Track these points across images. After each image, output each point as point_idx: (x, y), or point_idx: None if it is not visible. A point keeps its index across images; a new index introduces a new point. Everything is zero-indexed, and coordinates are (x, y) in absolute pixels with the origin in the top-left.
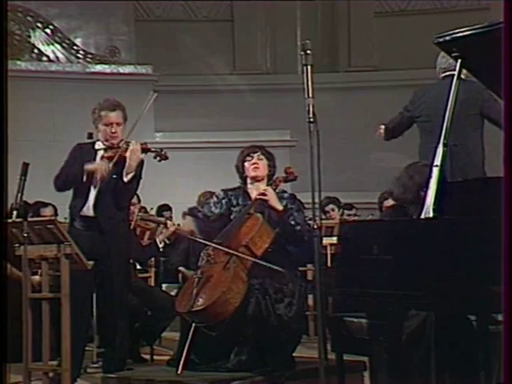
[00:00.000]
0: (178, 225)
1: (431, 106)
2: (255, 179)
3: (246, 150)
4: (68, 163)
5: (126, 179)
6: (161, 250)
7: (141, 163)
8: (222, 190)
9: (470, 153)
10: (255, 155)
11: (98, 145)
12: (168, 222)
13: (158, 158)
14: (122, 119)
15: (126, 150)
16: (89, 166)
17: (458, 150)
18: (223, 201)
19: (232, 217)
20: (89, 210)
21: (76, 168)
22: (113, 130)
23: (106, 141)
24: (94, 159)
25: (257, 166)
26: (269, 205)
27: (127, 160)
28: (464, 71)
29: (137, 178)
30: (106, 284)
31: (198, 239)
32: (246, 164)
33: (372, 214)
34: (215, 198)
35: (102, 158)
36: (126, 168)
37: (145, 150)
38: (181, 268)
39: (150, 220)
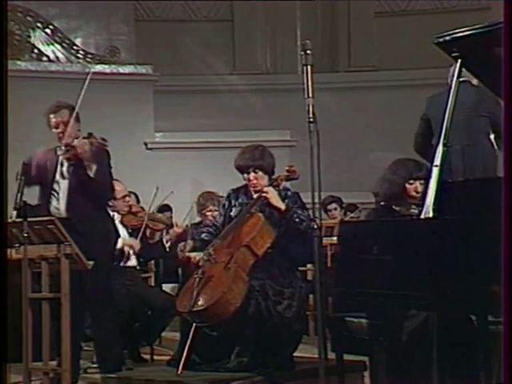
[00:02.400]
0: (186, 226)
1: (440, 111)
2: (255, 191)
3: (241, 165)
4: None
5: (91, 174)
6: (167, 250)
7: (101, 153)
8: (228, 192)
9: (482, 153)
10: (251, 170)
11: (60, 149)
12: (177, 222)
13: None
14: (67, 117)
15: (68, 152)
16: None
17: (470, 150)
18: (224, 206)
19: (233, 215)
20: (59, 211)
21: (42, 170)
22: (59, 130)
23: (60, 142)
24: (56, 164)
25: (255, 183)
26: (271, 204)
27: (83, 161)
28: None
29: (103, 169)
30: (89, 284)
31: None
32: (245, 175)
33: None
34: (219, 209)
35: (62, 160)
36: (87, 167)
37: (91, 144)
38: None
39: (159, 221)
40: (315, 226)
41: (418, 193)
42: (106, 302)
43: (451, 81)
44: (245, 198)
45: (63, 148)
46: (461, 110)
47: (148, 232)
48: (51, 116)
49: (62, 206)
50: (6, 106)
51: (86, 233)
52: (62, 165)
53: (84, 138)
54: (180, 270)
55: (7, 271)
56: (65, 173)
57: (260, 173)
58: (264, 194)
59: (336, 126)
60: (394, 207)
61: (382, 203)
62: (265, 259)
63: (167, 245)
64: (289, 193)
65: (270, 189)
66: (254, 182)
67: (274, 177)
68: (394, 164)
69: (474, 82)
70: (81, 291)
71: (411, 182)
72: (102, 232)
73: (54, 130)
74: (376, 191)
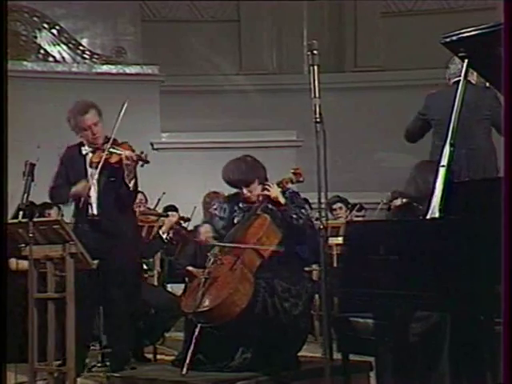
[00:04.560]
0: (182, 217)
1: (442, 110)
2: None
3: (231, 179)
4: (60, 173)
5: (131, 186)
6: (165, 241)
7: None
8: (225, 197)
9: (486, 156)
10: (241, 186)
11: (85, 149)
12: (168, 213)
13: (141, 163)
14: (97, 118)
15: (112, 155)
16: (72, 191)
17: (475, 153)
18: (227, 209)
19: (235, 221)
20: (93, 211)
21: (68, 179)
22: (93, 132)
23: (91, 143)
24: (85, 166)
25: (248, 196)
26: (272, 199)
27: (124, 169)
28: (475, 76)
29: (137, 182)
30: (110, 284)
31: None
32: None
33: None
34: (219, 210)
35: (91, 163)
36: (126, 176)
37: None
38: (189, 268)
39: (151, 214)
40: (321, 226)
41: None
42: (127, 301)
43: (451, 80)
44: (243, 204)
45: (88, 147)
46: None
47: (145, 229)
48: (80, 118)
49: (94, 207)
50: (6, 106)
51: (112, 232)
52: (90, 166)
53: (121, 144)
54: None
55: (15, 275)
56: (95, 175)
57: (252, 185)
58: (265, 192)
59: (342, 126)
60: (415, 206)
61: (403, 202)
62: (272, 259)
63: (164, 236)
64: (287, 193)
65: (273, 186)
66: (248, 194)
67: (279, 180)
68: (424, 168)
69: (473, 80)
70: (94, 290)
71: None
72: (128, 233)
73: (83, 132)
74: (402, 192)
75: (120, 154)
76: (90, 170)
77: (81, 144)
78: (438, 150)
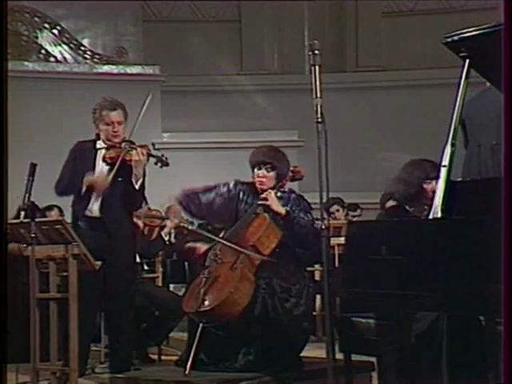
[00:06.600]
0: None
1: (473, 113)
2: (260, 189)
3: (256, 160)
4: (67, 166)
5: (137, 186)
6: (167, 242)
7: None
8: (236, 180)
9: None
10: (263, 167)
11: (100, 144)
12: (171, 216)
13: (160, 164)
14: (123, 118)
15: (128, 153)
16: (88, 179)
17: (499, 148)
18: (231, 192)
19: (238, 213)
20: (93, 210)
21: (76, 171)
22: (115, 130)
23: (108, 140)
24: (95, 159)
25: (262, 180)
26: (271, 209)
27: (133, 168)
28: None
29: (143, 179)
30: (110, 284)
31: (208, 235)
32: (255, 170)
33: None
34: (226, 187)
35: (104, 158)
36: (133, 176)
37: (149, 156)
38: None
39: (154, 216)
40: (323, 227)
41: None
42: (128, 300)
43: (488, 84)
44: (252, 198)
45: (103, 144)
46: (493, 109)
47: (146, 230)
48: (106, 113)
49: (96, 206)
50: (6, 106)
51: (115, 233)
52: (102, 161)
53: (140, 146)
54: (187, 270)
55: (17, 270)
56: (108, 171)
57: (271, 173)
58: (263, 202)
59: (343, 126)
60: (406, 208)
61: (395, 203)
62: (271, 259)
63: (166, 238)
64: (292, 196)
65: (271, 194)
66: (263, 179)
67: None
68: (409, 165)
69: None
70: (96, 291)
71: (428, 181)
72: (129, 233)
73: (105, 127)
74: (389, 192)
75: (129, 151)
76: (101, 165)
77: (95, 139)
78: (469, 152)
